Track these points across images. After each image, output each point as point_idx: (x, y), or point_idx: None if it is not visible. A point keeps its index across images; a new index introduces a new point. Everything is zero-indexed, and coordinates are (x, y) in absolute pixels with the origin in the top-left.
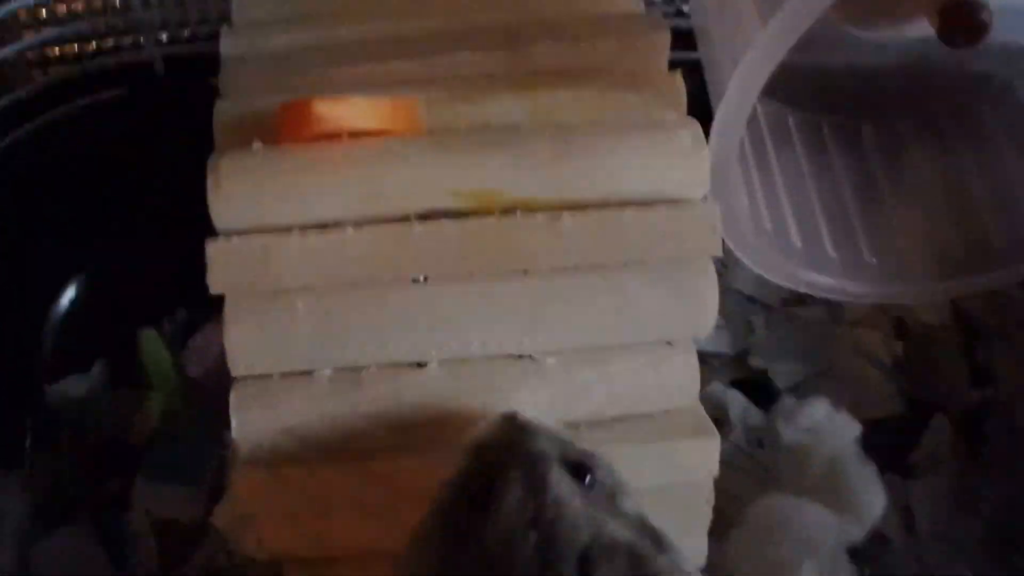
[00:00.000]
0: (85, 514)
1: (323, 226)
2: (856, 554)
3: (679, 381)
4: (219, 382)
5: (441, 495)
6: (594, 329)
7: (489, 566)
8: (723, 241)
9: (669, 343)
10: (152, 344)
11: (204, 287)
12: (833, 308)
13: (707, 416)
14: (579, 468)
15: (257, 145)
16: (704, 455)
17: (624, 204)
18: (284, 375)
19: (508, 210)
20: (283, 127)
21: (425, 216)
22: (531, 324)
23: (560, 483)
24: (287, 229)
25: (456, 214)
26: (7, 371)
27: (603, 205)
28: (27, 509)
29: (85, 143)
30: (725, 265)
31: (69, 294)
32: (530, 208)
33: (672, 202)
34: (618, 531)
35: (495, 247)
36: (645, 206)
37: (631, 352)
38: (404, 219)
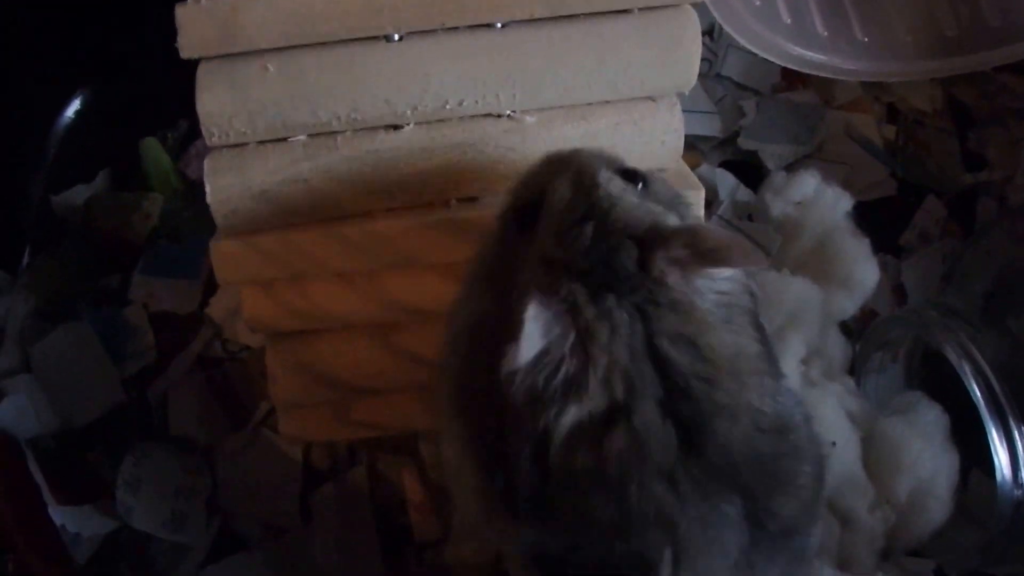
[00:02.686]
0: (84, 310)
1: None
2: (849, 331)
3: (662, 138)
4: None
5: (487, 232)
6: (573, 83)
7: (546, 270)
8: (714, 31)
9: (651, 99)
10: (153, 150)
11: None
12: (824, 93)
13: (691, 172)
14: (631, 174)
15: None
16: None
17: None
18: (259, 143)
19: None
20: None
21: None
22: (508, 78)
23: (611, 182)
24: None
25: None
26: (11, 181)
27: None
28: (29, 309)
29: None
30: (715, 53)
31: (73, 106)
32: None
33: None
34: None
35: None
36: None
37: (612, 108)
38: None
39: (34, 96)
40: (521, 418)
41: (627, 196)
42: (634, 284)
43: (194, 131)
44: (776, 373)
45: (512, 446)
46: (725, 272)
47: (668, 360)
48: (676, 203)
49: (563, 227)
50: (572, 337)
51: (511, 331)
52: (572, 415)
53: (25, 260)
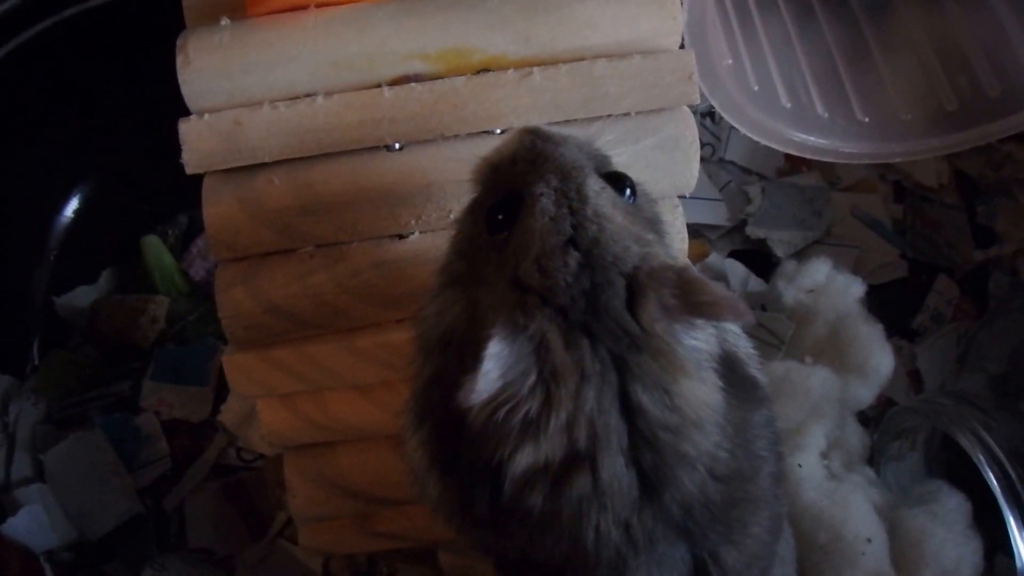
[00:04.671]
0: (95, 416)
1: (293, 98)
2: (866, 420)
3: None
4: None
5: (457, 227)
6: None
7: (519, 297)
8: (715, 114)
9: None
10: (154, 249)
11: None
12: (829, 174)
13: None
14: (618, 180)
15: (224, 21)
16: None
17: (596, 56)
18: (266, 255)
19: (478, 70)
20: (250, 1)
21: (395, 81)
22: None
23: (600, 195)
24: (258, 103)
25: (425, 77)
26: (13, 283)
27: (574, 58)
28: (39, 415)
29: (81, 52)
30: (718, 139)
31: (72, 205)
32: (500, 66)
33: (646, 51)
34: (665, 255)
35: (466, 108)
36: (617, 57)
37: None
38: (374, 86)
39: (32, 194)
40: (477, 445)
41: (617, 216)
42: (616, 327)
43: (194, 227)
44: (744, 423)
45: (467, 467)
46: (705, 328)
47: (639, 409)
48: (656, 221)
49: (544, 251)
50: (533, 379)
51: (472, 360)
52: (528, 455)
53: (31, 364)
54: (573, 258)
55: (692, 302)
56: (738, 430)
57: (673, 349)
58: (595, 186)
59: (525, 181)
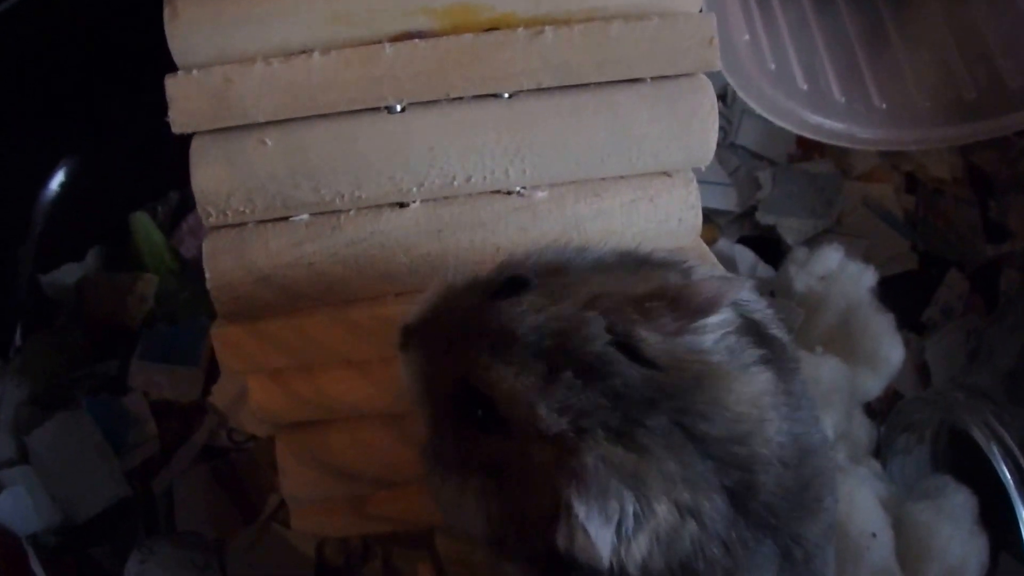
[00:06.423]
0: (81, 397)
1: (288, 54)
2: (872, 412)
3: (679, 215)
4: None
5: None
6: (585, 156)
7: (561, 450)
8: (727, 96)
9: (667, 174)
10: (144, 226)
11: None
12: (842, 162)
13: (710, 251)
14: (516, 282)
15: None
16: None
17: (611, 16)
18: (259, 223)
19: (486, 29)
20: None
21: (397, 38)
22: (517, 152)
23: (518, 313)
24: (250, 59)
25: (430, 34)
26: None
27: (588, 18)
28: (23, 396)
29: (67, 19)
30: (729, 122)
31: (58, 179)
32: (509, 24)
33: (664, 14)
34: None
35: (473, 68)
36: (635, 18)
37: (627, 184)
38: (375, 42)
39: (16, 168)
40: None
41: (550, 308)
42: (646, 391)
43: (185, 204)
44: (790, 394)
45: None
46: (716, 317)
47: (709, 440)
48: (581, 249)
49: (547, 396)
50: (625, 493)
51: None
52: (643, 543)
53: (16, 343)
54: (566, 377)
55: (691, 311)
56: (788, 404)
57: (706, 361)
58: (512, 310)
59: (466, 370)
